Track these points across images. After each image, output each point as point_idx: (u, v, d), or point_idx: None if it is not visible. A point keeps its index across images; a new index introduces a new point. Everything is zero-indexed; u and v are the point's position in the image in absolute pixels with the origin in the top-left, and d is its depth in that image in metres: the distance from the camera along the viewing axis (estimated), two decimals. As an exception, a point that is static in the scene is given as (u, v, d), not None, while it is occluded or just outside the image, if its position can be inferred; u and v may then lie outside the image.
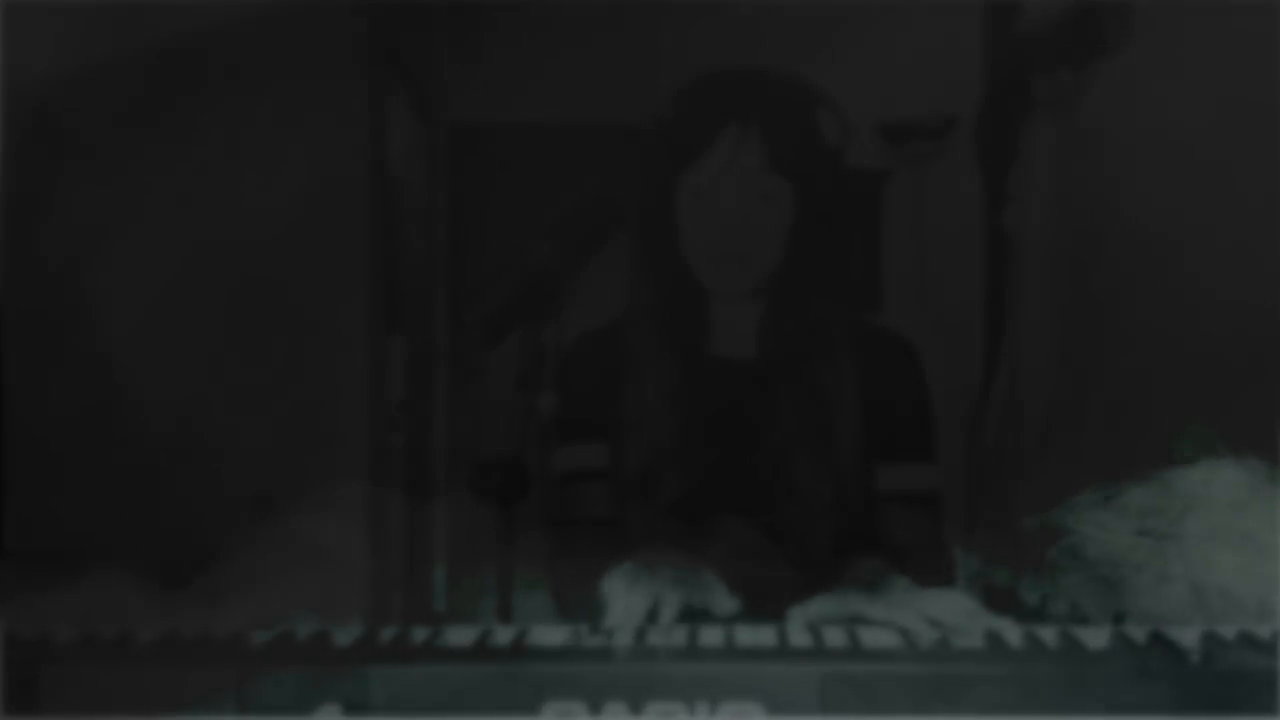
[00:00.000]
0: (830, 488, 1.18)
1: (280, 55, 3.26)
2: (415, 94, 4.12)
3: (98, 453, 3.18)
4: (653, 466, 1.18)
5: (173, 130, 3.23)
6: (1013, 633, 0.85)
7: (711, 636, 0.89)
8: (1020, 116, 2.86)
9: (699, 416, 1.20)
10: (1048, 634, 0.86)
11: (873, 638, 0.90)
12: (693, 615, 0.91)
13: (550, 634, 0.90)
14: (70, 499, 3.15)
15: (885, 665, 0.70)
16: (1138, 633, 0.86)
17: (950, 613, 0.86)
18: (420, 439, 4.36)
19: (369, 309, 3.36)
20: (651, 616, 0.88)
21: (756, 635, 0.90)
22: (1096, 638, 0.86)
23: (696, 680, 0.67)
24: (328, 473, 3.29)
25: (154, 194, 3.22)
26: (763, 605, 0.98)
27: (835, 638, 0.90)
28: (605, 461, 1.23)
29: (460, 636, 0.88)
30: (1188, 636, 0.84)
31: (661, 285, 1.22)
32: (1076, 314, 2.56)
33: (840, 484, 1.18)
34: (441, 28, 4.50)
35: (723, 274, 1.18)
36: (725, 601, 0.95)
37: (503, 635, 0.88)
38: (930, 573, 1.05)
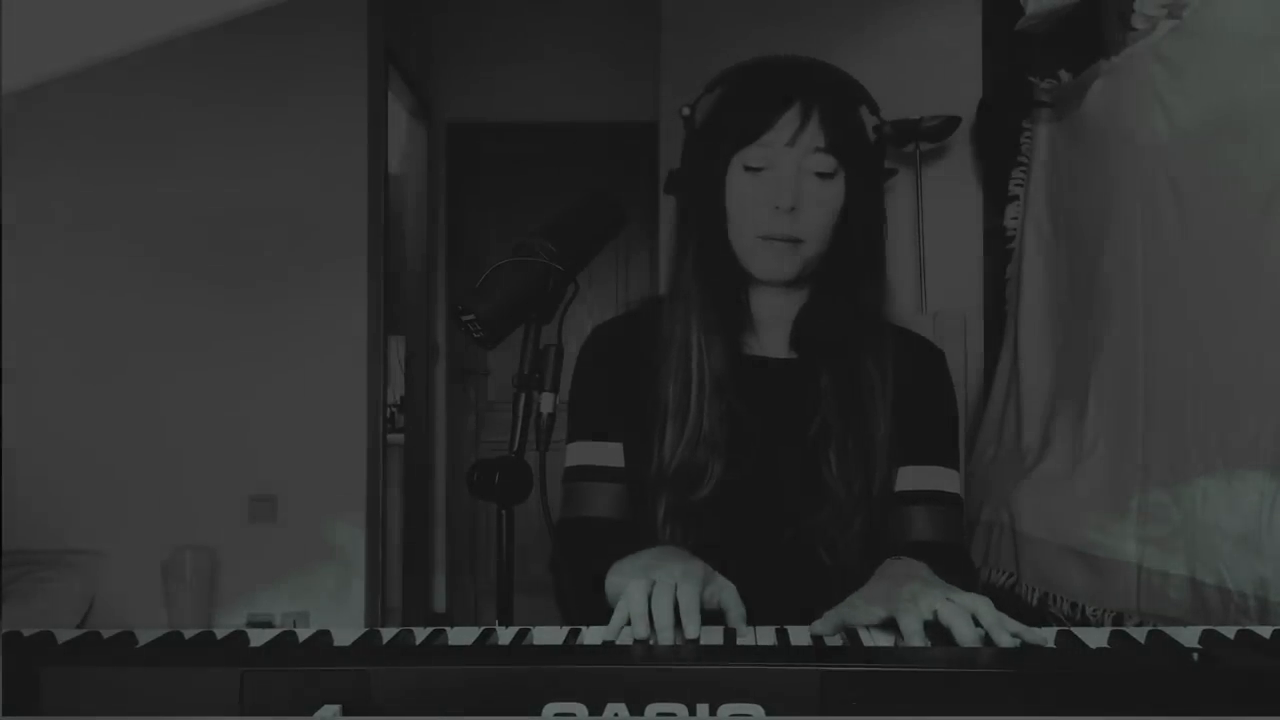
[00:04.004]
0: (865, 485, 1.18)
1: (280, 56, 3.26)
2: (415, 94, 4.12)
3: (100, 453, 3.19)
4: (695, 457, 1.17)
5: (172, 130, 3.24)
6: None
7: (712, 636, 0.89)
8: (1020, 116, 2.86)
9: (741, 406, 1.19)
10: (1047, 634, 0.86)
11: (872, 638, 0.90)
12: (708, 617, 0.90)
13: (550, 634, 0.91)
14: (70, 498, 3.16)
15: (885, 665, 0.69)
16: (1138, 632, 0.86)
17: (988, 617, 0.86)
18: (420, 439, 4.36)
19: (369, 309, 3.37)
20: (660, 611, 0.87)
21: (757, 635, 0.91)
22: (1096, 638, 0.86)
23: (697, 680, 0.67)
24: (328, 473, 3.30)
25: (153, 192, 3.23)
26: (795, 605, 0.98)
27: (835, 637, 0.90)
28: (619, 460, 1.22)
29: (460, 636, 0.88)
30: (1188, 636, 0.85)
31: (708, 271, 1.20)
32: (1076, 313, 2.56)
33: (874, 482, 1.18)
34: (440, 28, 4.50)
35: (772, 258, 1.17)
36: (737, 606, 0.94)
37: (503, 635, 0.88)
38: (951, 576, 1.05)
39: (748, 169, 1.16)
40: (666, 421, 1.18)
